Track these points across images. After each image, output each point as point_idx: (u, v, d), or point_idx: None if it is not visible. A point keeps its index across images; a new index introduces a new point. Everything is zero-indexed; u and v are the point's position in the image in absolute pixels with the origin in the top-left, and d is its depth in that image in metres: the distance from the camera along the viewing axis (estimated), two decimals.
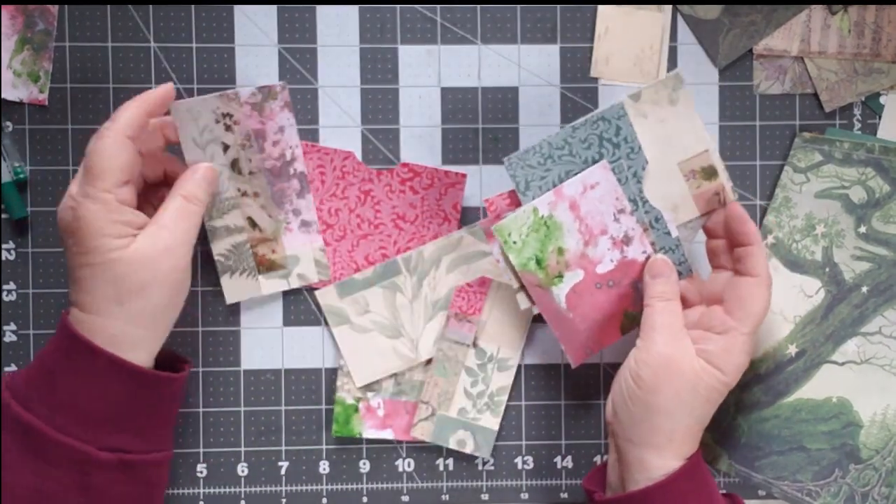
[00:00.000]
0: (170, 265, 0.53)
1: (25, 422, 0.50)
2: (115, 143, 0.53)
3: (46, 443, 0.50)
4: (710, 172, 0.57)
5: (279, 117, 0.61)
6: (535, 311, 0.59)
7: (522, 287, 0.58)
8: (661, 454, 0.54)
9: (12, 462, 0.50)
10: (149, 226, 0.54)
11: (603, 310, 0.59)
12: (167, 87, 0.56)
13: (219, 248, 0.63)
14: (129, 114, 0.54)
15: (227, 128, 0.61)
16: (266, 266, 0.64)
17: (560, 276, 0.58)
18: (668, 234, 0.58)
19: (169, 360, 0.58)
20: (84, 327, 0.52)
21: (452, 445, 0.64)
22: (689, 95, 0.56)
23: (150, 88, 0.64)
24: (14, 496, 0.50)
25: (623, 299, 0.59)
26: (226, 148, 0.61)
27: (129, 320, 0.52)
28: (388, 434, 0.65)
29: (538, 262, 0.58)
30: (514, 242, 0.57)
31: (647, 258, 0.58)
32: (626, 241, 0.58)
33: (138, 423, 0.54)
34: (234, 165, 0.61)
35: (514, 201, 0.58)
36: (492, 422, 0.64)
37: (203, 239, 0.65)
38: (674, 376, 0.54)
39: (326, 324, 0.65)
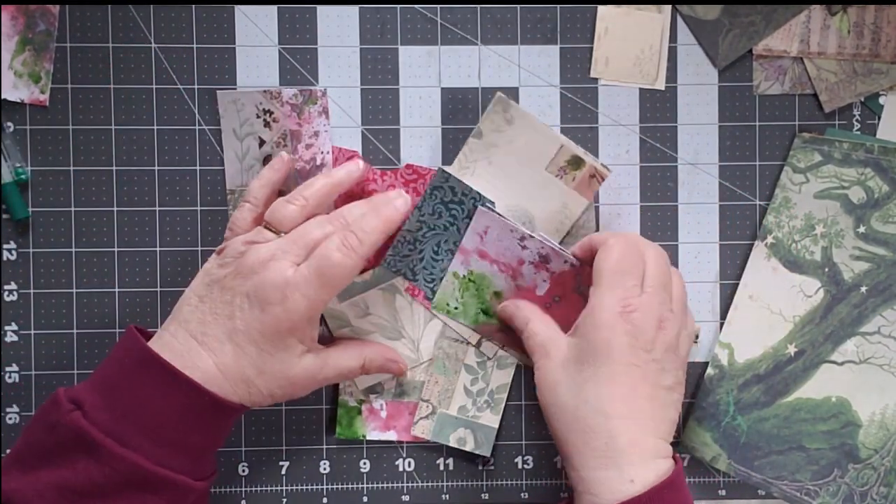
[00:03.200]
0: (302, 389, 0.56)
1: (130, 461, 0.49)
2: (355, 269, 0.54)
3: (153, 478, 0.50)
4: (575, 162, 0.59)
5: (316, 122, 0.62)
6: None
7: (481, 339, 0.63)
8: (602, 464, 0.52)
9: (110, 497, 0.49)
10: (322, 353, 0.56)
11: (562, 321, 0.60)
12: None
13: None
14: (376, 239, 0.55)
15: (266, 124, 0.62)
16: None
17: None
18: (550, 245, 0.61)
19: None
20: (182, 358, 0.52)
21: (453, 443, 0.64)
22: (520, 109, 0.59)
23: (151, 89, 0.64)
24: None
25: (575, 306, 0.60)
26: (261, 143, 0.62)
27: (244, 399, 0.54)
28: (391, 436, 0.65)
29: (485, 312, 0.61)
30: (456, 308, 0.61)
31: (573, 265, 0.60)
32: (545, 259, 0.60)
33: (216, 447, 0.55)
34: (266, 161, 0.62)
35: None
36: (492, 420, 0.65)
37: (217, 234, 0.65)
38: (548, 379, 0.55)
39: (327, 326, 0.65)
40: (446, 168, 0.60)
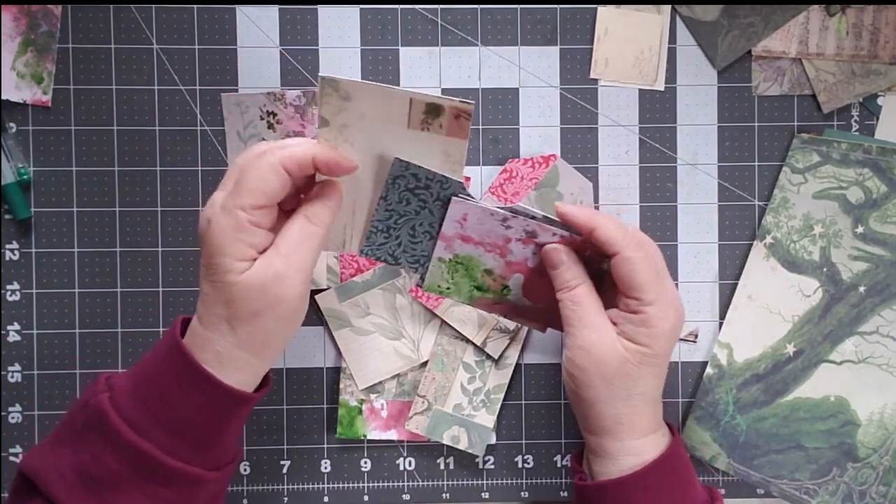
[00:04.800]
0: (281, 292, 0.50)
1: (143, 450, 0.49)
2: (273, 169, 0.50)
3: (162, 469, 0.50)
4: (432, 110, 0.53)
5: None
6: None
7: (486, 339, 0.61)
8: (616, 437, 0.54)
9: (123, 485, 0.50)
10: (268, 250, 0.51)
11: (552, 290, 0.58)
12: (351, 165, 0.53)
13: None
14: (301, 151, 0.51)
15: (270, 126, 0.62)
16: None
17: (505, 287, 0.59)
18: (534, 217, 0.56)
19: None
20: (198, 340, 0.51)
21: (446, 441, 0.65)
22: (350, 80, 0.52)
23: (153, 90, 0.64)
24: None
25: None
26: None
27: (237, 343, 0.51)
28: (392, 435, 0.65)
29: (479, 288, 0.59)
30: (448, 288, 0.59)
31: (562, 235, 0.56)
32: (532, 235, 0.57)
33: (231, 438, 0.54)
34: None
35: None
36: (487, 419, 0.65)
37: None
38: (599, 366, 0.53)
39: (326, 325, 0.65)
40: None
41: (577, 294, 0.55)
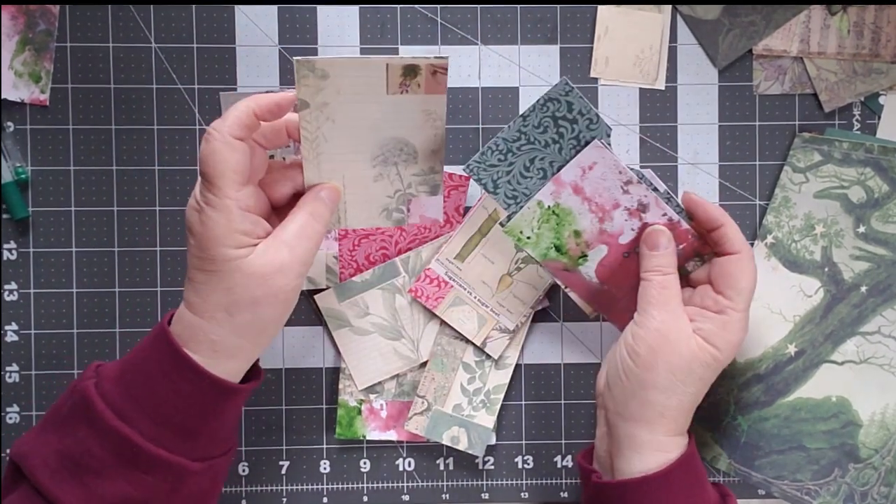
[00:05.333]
0: (283, 283, 0.51)
1: (125, 435, 0.49)
2: (224, 146, 0.50)
3: (144, 456, 0.50)
4: (409, 71, 0.52)
5: None
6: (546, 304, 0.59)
7: (485, 339, 0.61)
8: (652, 430, 0.54)
9: (106, 471, 0.50)
10: (270, 238, 0.52)
11: (637, 275, 0.58)
12: (287, 96, 0.52)
13: None
14: (237, 114, 0.51)
15: None
16: None
17: (584, 255, 0.58)
18: (656, 189, 0.57)
19: None
20: (190, 330, 0.51)
21: (446, 441, 0.64)
22: (325, 58, 0.51)
23: (151, 89, 0.64)
24: (104, 502, 0.50)
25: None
26: None
27: (234, 330, 0.51)
28: (391, 435, 0.65)
29: (558, 248, 0.58)
30: (529, 238, 0.58)
31: (670, 219, 0.57)
32: (643, 208, 0.57)
33: (224, 432, 0.54)
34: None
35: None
36: (487, 420, 0.65)
37: None
38: (670, 353, 0.54)
39: (326, 325, 0.65)
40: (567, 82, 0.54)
41: (668, 280, 0.56)
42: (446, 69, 0.53)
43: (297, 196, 0.55)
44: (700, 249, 0.57)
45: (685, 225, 0.57)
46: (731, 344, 0.55)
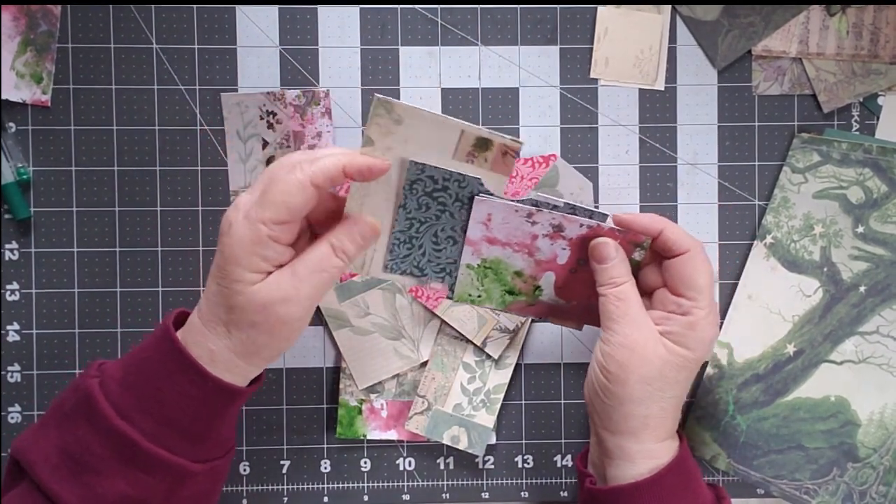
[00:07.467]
0: (285, 313, 0.50)
1: (127, 435, 0.50)
2: (300, 186, 0.49)
3: (145, 456, 0.50)
4: (482, 144, 0.53)
5: (319, 122, 0.63)
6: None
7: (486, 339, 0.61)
8: (639, 439, 0.54)
9: (107, 469, 0.50)
10: (285, 268, 0.50)
11: (587, 284, 0.58)
12: (380, 164, 0.51)
13: None
14: (327, 165, 0.49)
15: (270, 125, 0.63)
16: None
17: (537, 287, 0.58)
18: (556, 207, 0.56)
19: None
20: (193, 335, 0.51)
21: (446, 441, 0.65)
22: (404, 105, 0.52)
23: (152, 90, 0.64)
24: (103, 501, 0.50)
25: None
26: (265, 144, 0.63)
27: (230, 347, 0.51)
28: (392, 435, 0.65)
29: (510, 292, 0.58)
30: (479, 296, 0.58)
31: (589, 227, 0.56)
32: (559, 228, 0.56)
33: (225, 432, 0.54)
34: (269, 163, 0.63)
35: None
36: (487, 419, 0.65)
37: (216, 231, 0.65)
38: (639, 365, 0.53)
39: (326, 325, 0.65)
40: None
41: (624, 290, 0.55)
42: (517, 154, 0.53)
43: (336, 219, 0.53)
44: (634, 238, 0.56)
45: (607, 225, 0.56)
46: (703, 342, 0.54)
